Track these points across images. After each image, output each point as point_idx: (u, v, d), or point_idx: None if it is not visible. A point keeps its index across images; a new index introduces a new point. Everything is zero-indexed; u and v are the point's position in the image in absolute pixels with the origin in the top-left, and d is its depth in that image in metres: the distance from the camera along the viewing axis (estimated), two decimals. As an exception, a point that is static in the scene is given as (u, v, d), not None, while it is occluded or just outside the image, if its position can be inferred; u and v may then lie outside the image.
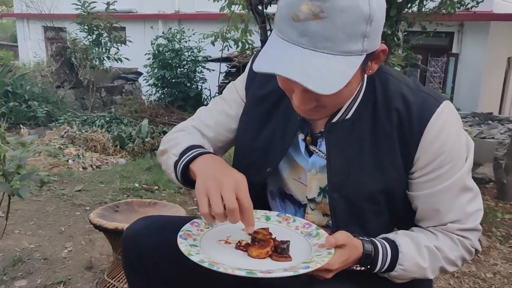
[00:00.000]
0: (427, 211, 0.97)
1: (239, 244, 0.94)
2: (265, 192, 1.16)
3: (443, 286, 2.29)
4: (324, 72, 0.78)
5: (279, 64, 0.79)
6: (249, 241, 0.94)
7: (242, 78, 1.14)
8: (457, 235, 0.97)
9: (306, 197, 1.06)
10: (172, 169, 1.04)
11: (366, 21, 0.79)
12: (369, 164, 0.96)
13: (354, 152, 0.97)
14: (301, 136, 1.03)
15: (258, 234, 0.95)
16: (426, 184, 0.95)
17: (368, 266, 0.94)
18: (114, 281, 1.95)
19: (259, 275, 0.81)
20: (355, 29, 0.78)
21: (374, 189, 0.96)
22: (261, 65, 0.82)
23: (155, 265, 1.04)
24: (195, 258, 0.84)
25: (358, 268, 0.94)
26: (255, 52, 1.17)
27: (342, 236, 0.90)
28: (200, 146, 1.04)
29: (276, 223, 1.02)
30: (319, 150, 1.01)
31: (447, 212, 0.96)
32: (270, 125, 1.06)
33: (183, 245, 0.89)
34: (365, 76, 0.97)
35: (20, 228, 2.70)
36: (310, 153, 1.03)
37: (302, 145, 1.03)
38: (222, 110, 1.14)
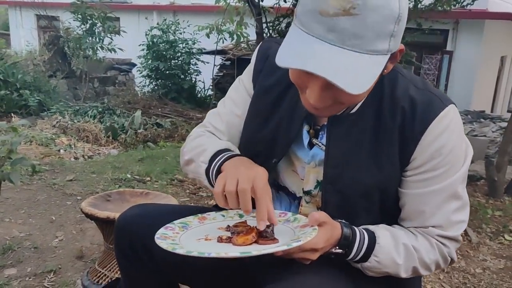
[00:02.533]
0: (412, 211, 0.97)
1: (220, 238, 0.92)
2: None
3: (433, 281, 2.31)
4: (353, 71, 0.76)
5: (308, 60, 0.77)
6: (230, 235, 0.93)
7: (248, 72, 1.11)
8: (436, 240, 0.96)
9: (303, 189, 1.05)
10: (204, 177, 1.03)
11: (395, 20, 0.78)
12: (367, 160, 0.95)
13: (354, 146, 0.96)
14: (306, 128, 1.02)
15: (238, 227, 0.94)
16: (417, 183, 0.95)
17: (346, 250, 0.94)
18: (105, 270, 1.94)
19: (254, 253, 0.80)
20: (384, 29, 0.77)
21: (369, 186, 0.95)
22: (287, 60, 0.79)
23: (147, 253, 1.03)
24: (181, 251, 0.82)
25: (337, 251, 0.93)
26: (260, 43, 1.14)
27: (323, 214, 0.91)
28: (226, 150, 1.03)
29: (251, 218, 1.00)
30: (321, 142, 1.00)
31: (431, 215, 0.95)
32: (276, 116, 1.04)
33: (164, 243, 0.87)
34: None
35: (11, 216, 2.67)
36: (311, 146, 1.02)
37: (306, 137, 1.02)
38: (230, 111, 1.12)
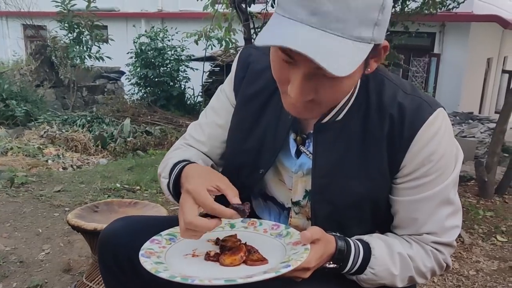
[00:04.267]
0: (405, 218, 0.95)
1: (208, 255, 0.89)
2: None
3: (427, 284, 2.29)
4: (335, 54, 0.73)
5: (289, 39, 0.73)
6: (218, 251, 0.90)
7: (229, 80, 1.08)
8: (431, 247, 0.95)
9: (291, 199, 1.03)
10: (168, 192, 1.02)
11: (379, 8, 0.76)
12: (356, 168, 0.93)
13: (341, 154, 0.93)
14: (292, 136, 0.99)
15: (227, 242, 0.91)
16: (408, 190, 0.92)
17: (340, 264, 0.91)
18: (93, 283, 1.89)
19: (239, 281, 0.76)
20: (368, 15, 0.75)
21: (359, 195, 0.93)
22: (267, 38, 0.76)
23: (132, 267, 0.99)
24: (164, 275, 0.79)
25: (330, 266, 0.91)
26: (239, 52, 1.11)
27: (316, 230, 0.87)
28: (184, 161, 1.00)
29: (243, 229, 0.98)
30: (308, 151, 0.98)
31: (424, 222, 0.93)
32: (261, 125, 1.01)
33: (148, 263, 0.83)
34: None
35: (-4, 230, 2.61)
36: (298, 154, 1.00)
37: (293, 146, 0.99)
38: (212, 121, 1.09)
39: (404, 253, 0.93)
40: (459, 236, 2.89)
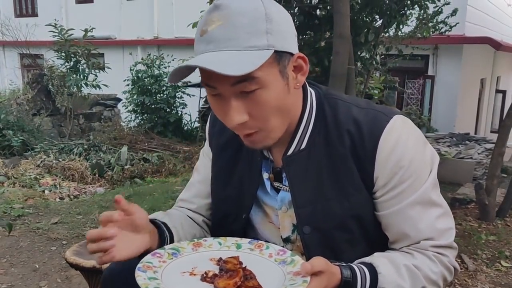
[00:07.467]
0: (397, 231, 0.95)
1: (205, 275, 0.86)
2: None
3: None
4: (230, 61, 0.80)
5: (187, 63, 0.83)
6: (217, 272, 0.88)
7: (206, 140, 1.18)
8: (433, 252, 0.94)
9: (281, 237, 1.04)
10: None
11: (264, 19, 0.83)
12: (332, 190, 0.95)
13: (315, 181, 0.96)
14: (265, 176, 1.03)
15: (227, 263, 0.89)
16: (390, 202, 0.93)
17: None
18: (92, 323, 1.84)
19: None
20: (255, 27, 0.83)
21: (342, 216, 0.94)
22: (171, 74, 0.86)
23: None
24: None
25: None
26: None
27: (319, 262, 0.85)
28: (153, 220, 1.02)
29: (248, 251, 0.96)
30: (284, 185, 1.01)
31: (417, 229, 0.93)
32: (237, 171, 1.06)
33: (141, 278, 0.81)
34: (313, 102, 0.98)
35: (-9, 266, 2.56)
36: (277, 191, 1.03)
37: (268, 184, 1.03)
38: (195, 180, 1.18)
39: (409, 264, 0.92)
40: (463, 262, 2.85)
